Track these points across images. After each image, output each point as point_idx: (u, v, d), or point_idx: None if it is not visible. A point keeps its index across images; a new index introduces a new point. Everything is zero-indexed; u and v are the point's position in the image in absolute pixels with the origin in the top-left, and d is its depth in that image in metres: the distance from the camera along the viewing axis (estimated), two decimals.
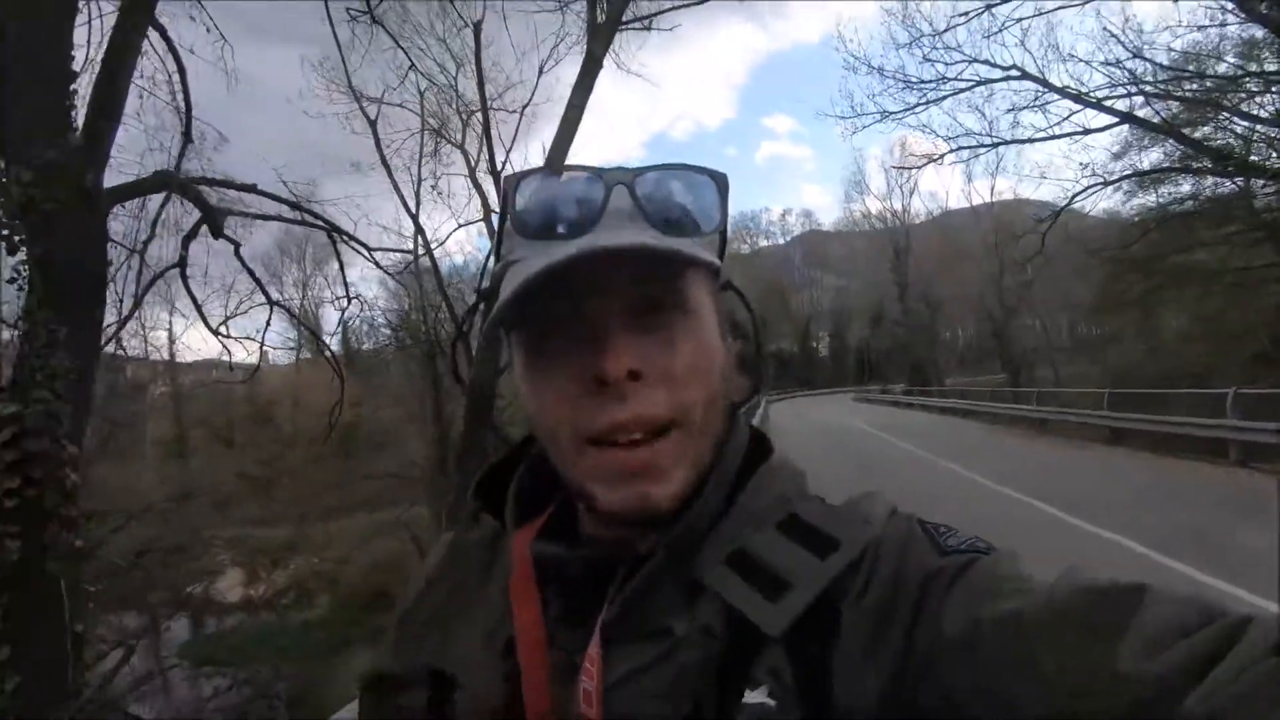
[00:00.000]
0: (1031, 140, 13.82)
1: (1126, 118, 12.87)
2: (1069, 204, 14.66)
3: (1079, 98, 12.81)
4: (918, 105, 13.85)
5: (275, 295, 7.31)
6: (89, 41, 3.63)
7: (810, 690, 0.43)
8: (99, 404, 6.10)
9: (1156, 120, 12.71)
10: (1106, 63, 12.30)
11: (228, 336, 6.67)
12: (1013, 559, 0.45)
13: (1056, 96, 13.03)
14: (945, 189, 65.91)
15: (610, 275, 0.45)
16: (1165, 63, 12.20)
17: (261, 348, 6.68)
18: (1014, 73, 13.29)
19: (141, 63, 4.31)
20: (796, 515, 0.49)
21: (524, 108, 10.72)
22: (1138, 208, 15.63)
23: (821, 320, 63.68)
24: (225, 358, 7.18)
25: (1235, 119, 12.63)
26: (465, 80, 11.13)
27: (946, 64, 13.52)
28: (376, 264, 6.34)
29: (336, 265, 6.45)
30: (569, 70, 11.82)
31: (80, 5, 3.29)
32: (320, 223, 5.93)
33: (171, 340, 22.51)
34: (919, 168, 18.71)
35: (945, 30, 11.91)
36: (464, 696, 0.51)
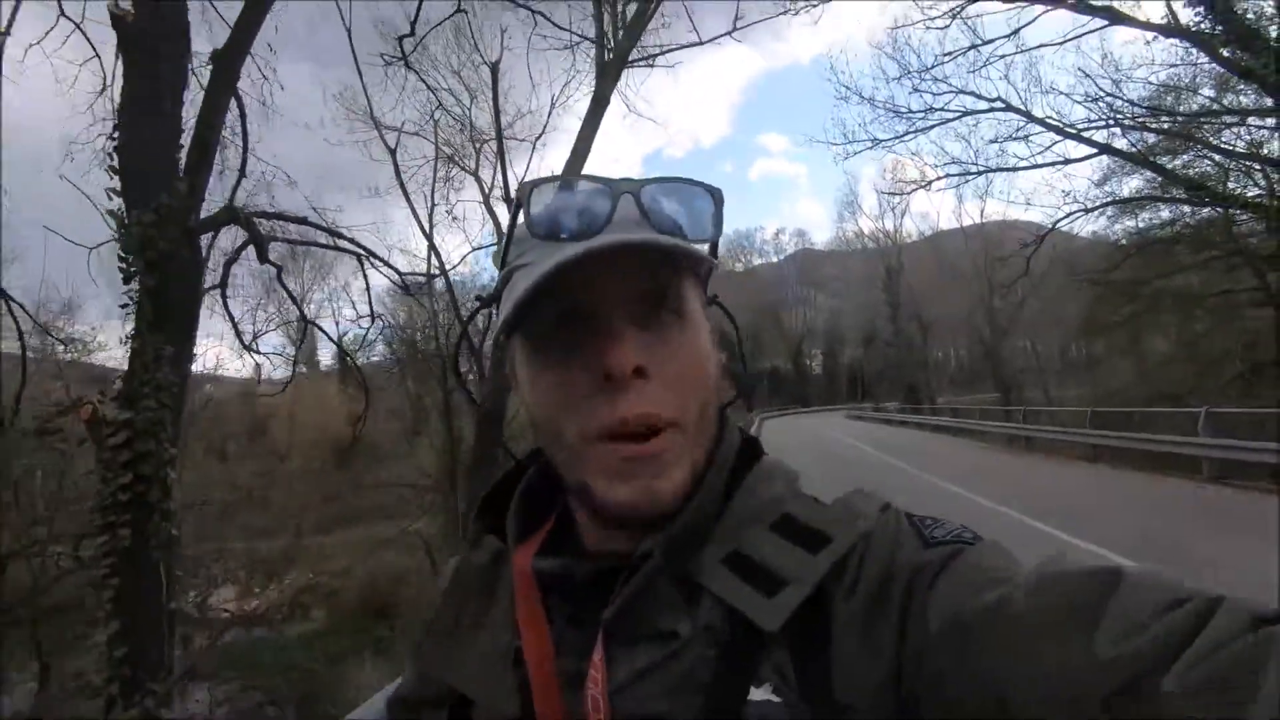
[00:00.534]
0: (1015, 169, 14.57)
1: (1104, 149, 13.63)
2: (1051, 230, 15.40)
3: (1059, 129, 13.58)
4: (906, 134, 14.60)
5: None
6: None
7: (812, 685, 0.44)
8: None
9: (1133, 151, 13.47)
10: (1086, 96, 13.11)
11: (257, 352, 7.20)
12: (996, 549, 0.46)
13: (1039, 128, 13.84)
14: (937, 210, 67.23)
15: (616, 274, 0.47)
16: (1143, 95, 13.03)
17: (295, 363, 7.19)
18: (998, 104, 14.10)
19: None
20: (789, 514, 0.50)
21: (537, 139, 11.46)
22: (1122, 231, 16.39)
23: (815, 338, 64.56)
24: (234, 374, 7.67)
25: (1210, 151, 13.43)
26: (478, 110, 11.99)
27: (934, 94, 14.33)
28: (405, 289, 6.86)
29: (338, 283, 7.01)
30: (574, 94, 12.56)
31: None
32: (353, 248, 6.48)
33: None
34: (908, 193, 19.47)
35: (933, 66, 12.65)
36: (480, 712, 0.53)
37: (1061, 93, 13.70)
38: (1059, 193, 21.81)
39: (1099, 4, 10.58)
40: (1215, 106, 12.60)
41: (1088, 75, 11.60)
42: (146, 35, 3.46)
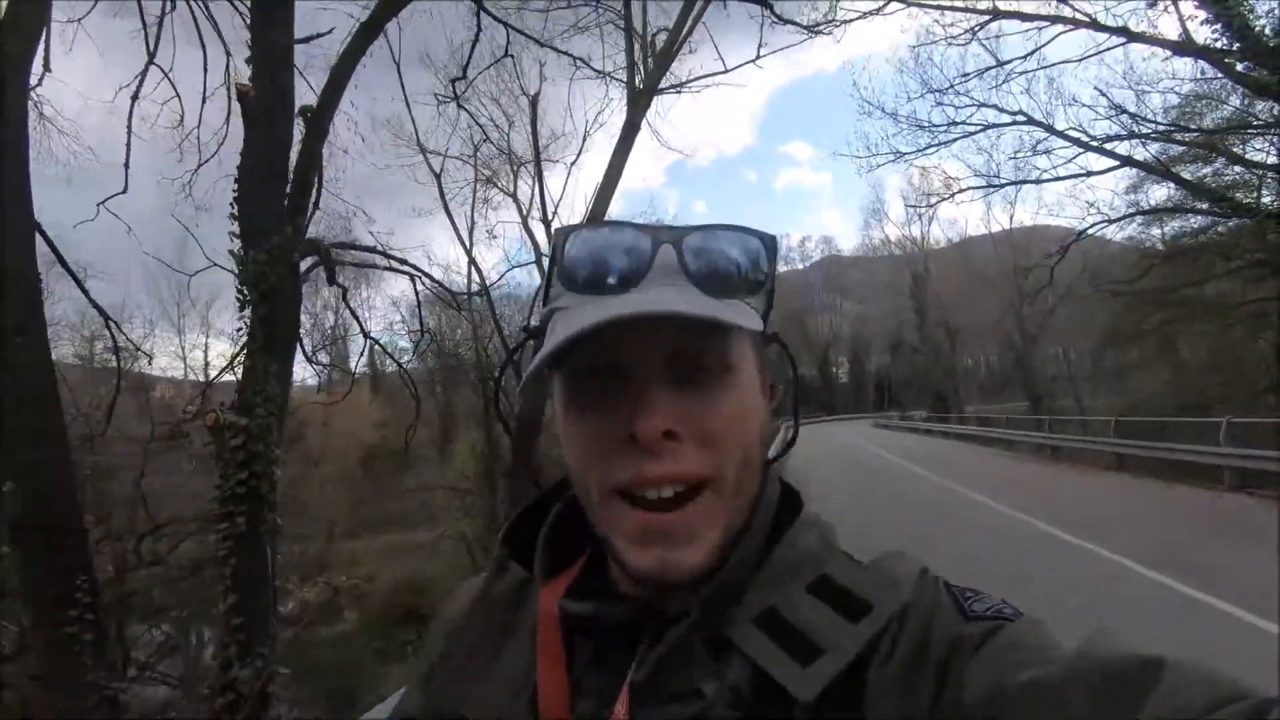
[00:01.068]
0: (1038, 181, 14.97)
1: (1126, 161, 13.98)
2: (1075, 240, 15.75)
3: (1081, 142, 13.96)
4: (928, 147, 15.07)
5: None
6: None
7: None
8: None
9: (1155, 163, 13.80)
10: (1109, 108, 13.45)
11: (318, 363, 7.97)
12: (1038, 626, 0.45)
13: (1061, 141, 14.23)
14: (964, 217, 66.71)
15: (652, 333, 0.46)
16: (1168, 106, 13.37)
17: (354, 375, 7.98)
18: (1020, 118, 14.52)
19: None
20: (827, 575, 0.49)
21: (572, 164, 12.29)
22: (1157, 238, 16.52)
23: (841, 346, 64.62)
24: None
25: (1232, 163, 13.69)
26: (514, 134, 12.87)
27: (956, 108, 14.80)
28: (456, 306, 7.61)
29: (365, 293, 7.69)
30: (606, 119, 13.31)
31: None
32: (407, 269, 7.23)
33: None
34: (933, 205, 19.90)
35: (951, 86, 13.14)
36: None
37: (1085, 105, 13.99)
38: (1083, 203, 22.05)
39: (1114, 24, 11.01)
40: (1240, 118, 12.87)
41: (1103, 94, 12.00)
42: (263, 106, 4.22)
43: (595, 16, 9.13)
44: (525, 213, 12.75)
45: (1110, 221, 15.33)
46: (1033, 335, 31.25)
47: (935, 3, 12.54)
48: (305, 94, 5.40)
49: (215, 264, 6.40)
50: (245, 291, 4.23)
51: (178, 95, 7.35)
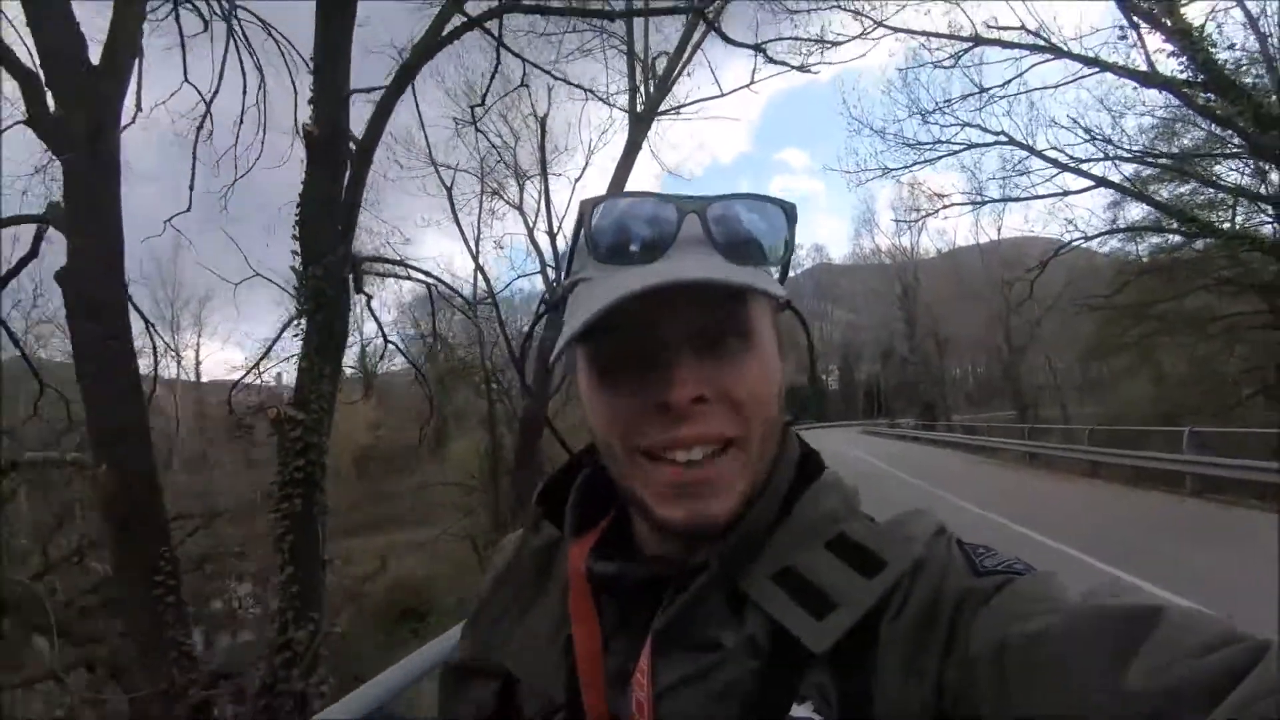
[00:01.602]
0: (1017, 199, 15.85)
1: (1101, 181, 14.87)
2: (1054, 256, 16.63)
3: (1058, 163, 14.83)
4: (915, 164, 15.94)
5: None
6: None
7: (853, 706, 0.45)
8: None
9: (1127, 185, 14.72)
10: (1086, 131, 14.28)
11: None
12: (1049, 579, 0.47)
13: (1040, 161, 15.11)
14: (954, 228, 67.24)
15: (678, 303, 0.48)
16: (1143, 128, 14.26)
17: (374, 376, 8.59)
18: (1002, 138, 15.40)
19: None
20: (844, 534, 0.51)
21: (577, 180, 13.08)
22: (1141, 252, 17.30)
23: (831, 354, 65.54)
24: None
25: (1204, 185, 14.58)
26: (520, 148, 13.67)
27: (942, 126, 15.66)
28: (471, 315, 8.32)
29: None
30: (608, 133, 14.06)
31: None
32: (426, 279, 7.94)
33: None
34: (919, 219, 20.79)
35: (934, 110, 14.00)
36: (526, 691, 0.57)
37: (1063, 127, 14.76)
38: (1063, 220, 23.01)
39: (1086, 54, 11.88)
40: (1211, 143, 13.72)
41: (1076, 120, 12.89)
42: (324, 145, 4.93)
43: (600, 41, 9.90)
44: (531, 225, 13.57)
45: (1087, 239, 16.20)
46: (1020, 346, 32.01)
47: (920, 29, 13.40)
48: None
49: (259, 274, 7.11)
50: (302, 301, 4.96)
51: (209, 112, 8.04)
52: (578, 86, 8.76)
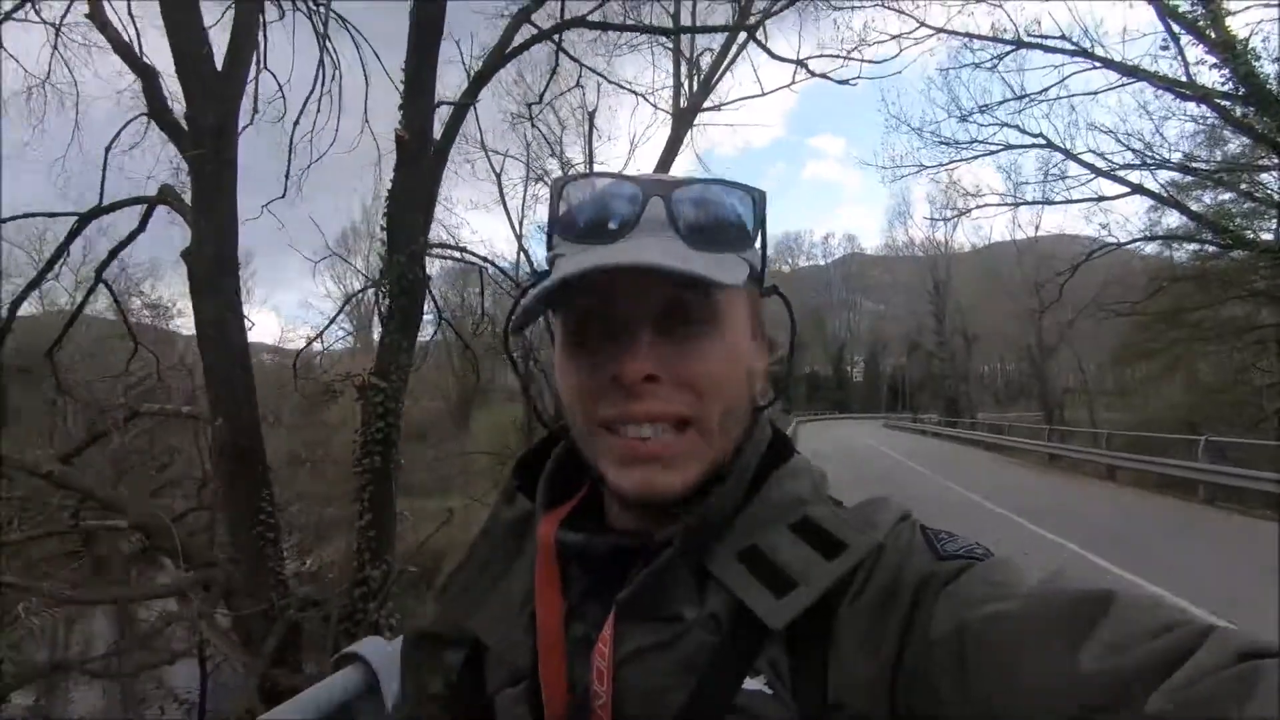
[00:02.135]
0: (1051, 202, 16.18)
1: (1137, 189, 15.12)
2: (1085, 260, 16.90)
3: (1095, 168, 15.09)
4: (950, 163, 16.30)
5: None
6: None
7: (805, 683, 0.48)
8: None
9: (1163, 193, 14.96)
10: (1126, 136, 14.49)
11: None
12: (1008, 565, 0.49)
13: (1077, 165, 15.38)
14: (990, 223, 65.86)
15: (643, 280, 0.50)
16: (1184, 134, 14.40)
17: (425, 355, 9.49)
18: (1040, 140, 15.68)
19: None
20: (809, 516, 0.54)
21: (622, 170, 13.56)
22: (1175, 259, 17.46)
23: (857, 344, 65.62)
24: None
25: (1242, 198, 14.73)
26: (565, 136, 14.30)
27: (980, 125, 15.95)
28: (517, 298, 9.03)
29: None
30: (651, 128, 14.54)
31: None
32: (480, 261, 8.71)
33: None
34: (952, 219, 21.09)
35: (972, 113, 14.33)
36: (494, 659, 0.59)
37: (1103, 131, 14.94)
38: (1096, 225, 23.06)
39: (1126, 64, 12.19)
40: (1253, 155, 13.84)
41: (1108, 131, 13.16)
42: (413, 150, 5.70)
43: (649, 39, 10.49)
44: None
45: (1120, 245, 16.46)
46: (1051, 346, 31.96)
47: (963, 31, 13.74)
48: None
49: (334, 253, 7.92)
50: (388, 285, 5.77)
51: (283, 95, 8.80)
52: (629, 91, 9.43)
